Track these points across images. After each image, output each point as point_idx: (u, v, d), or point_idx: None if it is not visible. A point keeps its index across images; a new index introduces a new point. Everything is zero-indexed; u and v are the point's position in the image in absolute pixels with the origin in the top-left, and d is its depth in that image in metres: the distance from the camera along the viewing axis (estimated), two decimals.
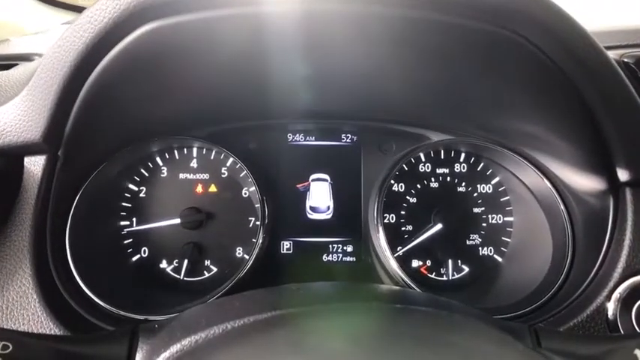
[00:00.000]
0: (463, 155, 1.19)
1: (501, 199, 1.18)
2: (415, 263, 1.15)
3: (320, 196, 1.20)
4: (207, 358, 0.50)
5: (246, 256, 1.08)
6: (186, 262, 1.09)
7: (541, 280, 1.02)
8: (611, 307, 0.80)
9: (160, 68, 0.82)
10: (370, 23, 0.71)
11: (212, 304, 0.70)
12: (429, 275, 1.15)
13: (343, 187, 1.21)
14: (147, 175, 1.14)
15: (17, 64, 1.08)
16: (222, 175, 1.16)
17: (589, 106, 0.76)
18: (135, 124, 1.02)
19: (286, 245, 1.19)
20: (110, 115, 0.91)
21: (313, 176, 1.21)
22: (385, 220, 1.15)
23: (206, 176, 1.16)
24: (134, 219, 1.12)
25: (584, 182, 0.93)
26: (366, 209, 1.17)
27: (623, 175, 0.83)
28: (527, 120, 0.96)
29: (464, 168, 1.19)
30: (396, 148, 1.21)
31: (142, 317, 0.89)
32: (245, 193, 1.16)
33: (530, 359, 0.53)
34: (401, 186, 1.18)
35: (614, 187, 0.86)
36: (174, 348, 0.53)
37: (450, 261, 1.15)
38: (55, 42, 0.74)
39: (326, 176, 1.21)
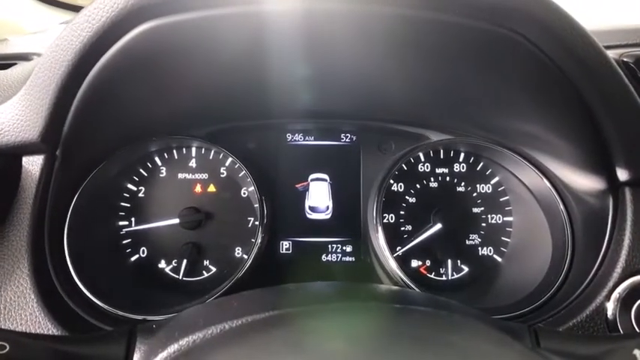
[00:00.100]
0: (462, 155, 1.19)
1: (501, 199, 1.18)
2: (414, 263, 1.15)
3: (319, 196, 1.20)
4: (205, 358, 0.50)
5: (245, 256, 1.08)
6: (185, 262, 1.09)
7: (540, 280, 1.02)
8: (610, 307, 0.80)
9: (159, 67, 0.82)
10: (369, 22, 0.71)
11: (210, 304, 0.70)
12: (428, 275, 1.15)
13: (342, 186, 1.21)
14: (145, 174, 1.14)
15: (15, 64, 1.08)
16: (221, 175, 1.16)
17: (588, 106, 0.76)
18: (133, 123, 1.01)
19: (285, 245, 1.19)
20: (108, 114, 0.91)
21: (312, 176, 1.21)
22: (384, 220, 1.14)
23: (205, 176, 1.16)
24: (133, 219, 1.12)
25: (584, 182, 0.93)
26: (365, 209, 1.17)
27: (622, 174, 0.83)
28: (527, 119, 0.96)
29: (463, 168, 1.19)
30: (395, 147, 1.21)
31: (140, 317, 0.89)
32: (244, 193, 1.16)
33: (529, 359, 0.53)
34: (400, 186, 1.18)
35: (614, 187, 0.86)
36: (172, 348, 0.52)
37: (449, 261, 1.15)
38: (52, 41, 0.74)
39: (325, 176, 1.21)
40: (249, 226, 1.14)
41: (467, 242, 1.16)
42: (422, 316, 0.59)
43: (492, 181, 1.18)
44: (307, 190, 1.21)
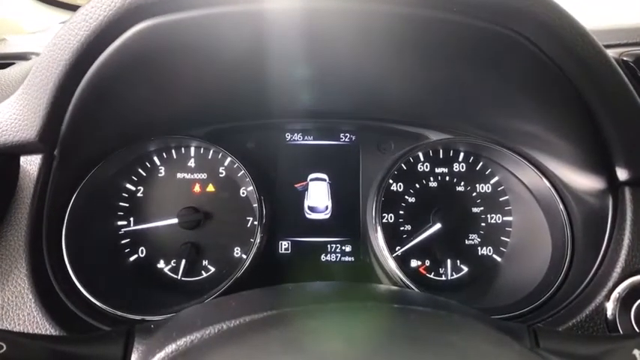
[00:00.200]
0: (462, 155, 1.19)
1: (500, 199, 1.18)
2: (414, 263, 1.15)
3: (318, 196, 1.20)
4: (203, 358, 0.50)
5: (244, 256, 1.08)
6: (183, 262, 1.09)
7: (540, 279, 1.02)
8: (610, 307, 0.80)
9: (157, 66, 0.81)
10: (368, 21, 0.71)
11: (208, 304, 0.70)
12: (427, 275, 1.15)
13: (341, 186, 1.21)
14: (144, 174, 1.14)
15: (14, 63, 1.07)
16: (220, 175, 1.16)
17: (588, 105, 0.76)
18: (132, 123, 1.01)
19: (284, 245, 1.19)
20: (107, 113, 0.90)
21: (311, 176, 1.21)
22: (384, 220, 1.14)
23: (204, 176, 1.16)
24: (131, 219, 1.12)
25: (584, 181, 0.93)
26: (365, 209, 1.17)
27: (622, 174, 0.82)
28: (526, 119, 0.96)
29: (463, 167, 1.19)
30: (394, 147, 1.21)
31: (138, 317, 0.89)
32: (243, 193, 1.16)
33: (528, 359, 0.53)
34: (399, 185, 1.18)
35: (614, 187, 0.86)
36: (170, 348, 0.52)
37: (448, 261, 1.15)
38: (50, 40, 0.74)
39: (324, 176, 1.21)
40: (248, 225, 1.14)
41: (466, 242, 1.16)
42: (421, 317, 0.58)
43: (492, 181, 1.18)
44: (306, 189, 1.20)
